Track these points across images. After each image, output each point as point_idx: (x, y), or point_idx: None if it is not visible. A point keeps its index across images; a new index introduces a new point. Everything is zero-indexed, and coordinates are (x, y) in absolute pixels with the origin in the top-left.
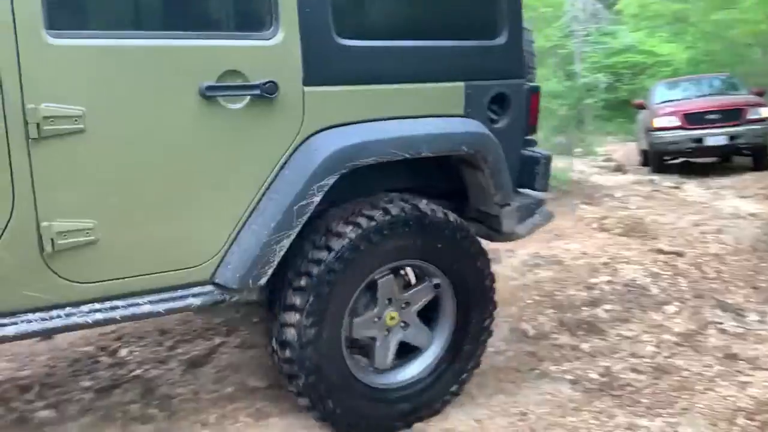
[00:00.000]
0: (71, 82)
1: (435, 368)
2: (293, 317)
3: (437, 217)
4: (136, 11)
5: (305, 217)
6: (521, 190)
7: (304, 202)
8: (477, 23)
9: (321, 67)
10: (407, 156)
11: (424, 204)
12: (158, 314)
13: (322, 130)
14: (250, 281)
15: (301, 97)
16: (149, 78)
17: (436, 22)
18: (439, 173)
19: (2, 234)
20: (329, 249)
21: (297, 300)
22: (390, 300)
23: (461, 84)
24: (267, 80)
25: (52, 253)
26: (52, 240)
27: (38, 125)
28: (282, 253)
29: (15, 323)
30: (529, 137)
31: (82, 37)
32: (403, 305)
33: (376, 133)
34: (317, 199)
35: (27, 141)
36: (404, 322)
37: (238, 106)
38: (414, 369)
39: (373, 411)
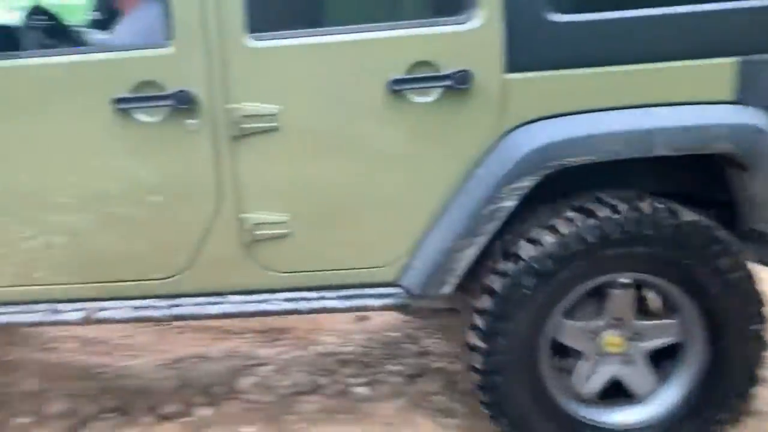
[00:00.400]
0: (267, 82)
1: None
2: (482, 319)
3: (683, 222)
4: (326, 8)
5: (494, 224)
6: None
7: (493, 207)
8: None
9: (527, 49)
10: (632, 155)
11: (661, 205)
12: (340, 310)
13: (526, 123)
14: (432, 289)
15: (500, 87)
16: (338, 74)
17: None
18: (698, 177)
19: (211, 223)
20: (536, 243)
21: (486, 303)
22: (619, 321)
23: (729, 60)
24: (459, 69)
25: (250, 243)
26: (250, 230)
27: (239, 124)
28: (467, 262)
29: (219, 303)
30: None
31: (276, 38)
32: (634, 336)
33: (592, 127)
34: (510, 204)
35: (230, 139)
36: (627, 356)
37: (428, 99)
38: (631, 415)
39: None
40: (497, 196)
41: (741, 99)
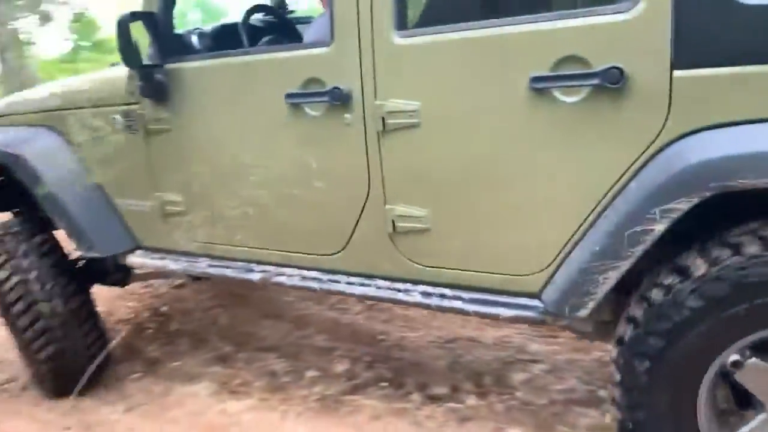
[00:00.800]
0: (410, 78)
1: None
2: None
3: None
4: (469, 3)
5: (641, 248)
6: None
7: (639, 229)
8: None
9: (703, 41)
10: None
11: None
12: (469, 314)
13: (696, 131)
14: (567, 309)
15: (666, 86)
16: (479, 70)
17: None
18: None
19: (362, 211)
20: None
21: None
22: None
23: None
24: (610, 65)
25: (393, 233)
26: (393, 221)
27: (383, 119)
28: (607, 286)
29: (366, 285)
30: None
31: (421, 35)
32: None
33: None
34: (659, 227)
35: (377, 133)
36: None
37: (575, 99)
38: None
39: None
40: (644, 218)
41: None
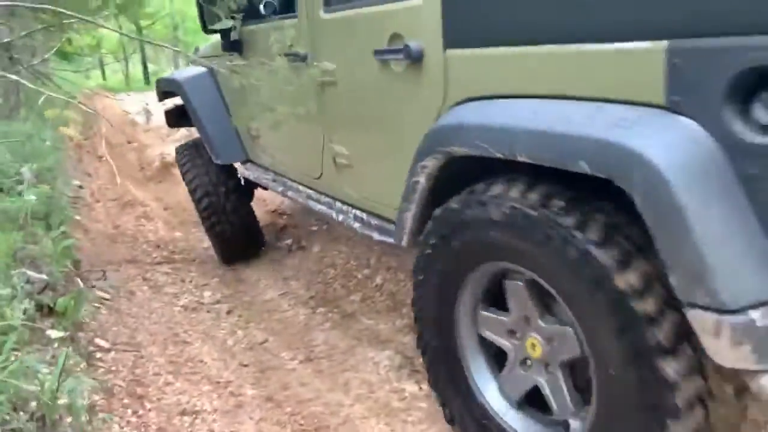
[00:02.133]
0: (330, 46)
1: None
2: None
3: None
4: None
5: (417, 196)
6: None
7: (412, 179)
8: None
9: (461, 24)
10: (500, 155)
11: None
12: (356, 231)
13: (461, 102)
14: (398, 238)
15: (442, 63)
16: (356, 42)
17: None
18: None
19: (322, 148)
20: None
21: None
22: (527, 321)
23: (656, 45)
24: (404, 44)
25: (335, 166)
26: (334, 157)
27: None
28: (411, 222)
29: (329, 206)
30: None
31: (332, 12)
32: (549, 341)
33: (490, 117)
34: (422, 180)
35: (319, 87)
36: (547, 365)
37: (400, 69)
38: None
39: None
40: (415, 170)
41: (675, 102)
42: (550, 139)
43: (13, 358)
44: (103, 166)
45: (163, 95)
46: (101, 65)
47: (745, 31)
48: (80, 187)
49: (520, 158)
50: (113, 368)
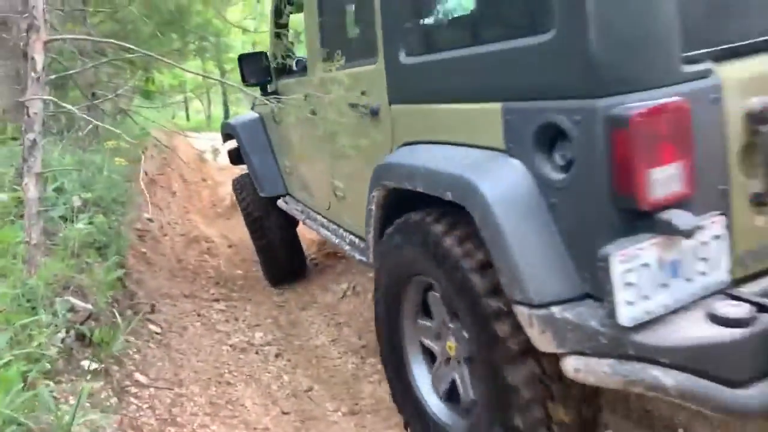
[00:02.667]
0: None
1: None
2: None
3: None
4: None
5: (372, 221)
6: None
7: (367, 207)
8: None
9: (397, 87)
10: (410, 188)
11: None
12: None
13: (402, 145)
14: (361, 256)
15: (389, 114)
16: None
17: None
18: None
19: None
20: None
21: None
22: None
23: (496, 105)
24: (366, 102)
25: (336, 198)
26: (335, 191)
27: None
28: (372, 243)
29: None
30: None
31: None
32: (457, 341)
33: (408, 158)
34: (373, 207)
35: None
36: (459, 361)
37: (368, 119)
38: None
39: None
40: (369, 200)
41: (509, 148)
42: (434, 176)
43: (30, 390)
44: (176, 202)
45: (226, 137)
46: (186, 106)
47: (542, 97)
48: (150, 220)
49: (419, 189)
50: (149, 405)
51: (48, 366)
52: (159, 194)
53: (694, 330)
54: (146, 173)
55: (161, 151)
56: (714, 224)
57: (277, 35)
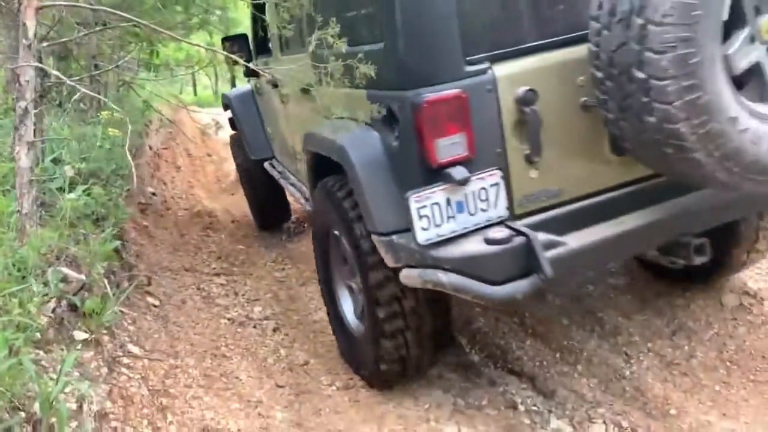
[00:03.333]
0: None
1: None
2: None
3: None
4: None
5: (305, 177)
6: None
7: (303, 166)
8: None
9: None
10: (320, 152)
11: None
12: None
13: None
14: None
15: (318, 93)
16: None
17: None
18: None
19: None
20: None
21: None
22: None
23: (363, 92)
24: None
25: (296, 158)
26: (295, 153)
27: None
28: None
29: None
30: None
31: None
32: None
33: (320, 128)
34: (303, 167)
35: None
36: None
37: (304, 93)
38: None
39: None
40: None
41: (372, 123)
42: (328, 143)
43: (13, 358)
44: (180, 176)
45: (225, 107)
46: (193, 81)
47: (384, 88)
48: (153, 194)
49: (323, 153)
50: (142, 376)
51: (38, 335)
52: (163, 168)
53: (469, 247)
54: (150, 147)
55: (166, 126)
56: (491, 176)
57: (254, 19)
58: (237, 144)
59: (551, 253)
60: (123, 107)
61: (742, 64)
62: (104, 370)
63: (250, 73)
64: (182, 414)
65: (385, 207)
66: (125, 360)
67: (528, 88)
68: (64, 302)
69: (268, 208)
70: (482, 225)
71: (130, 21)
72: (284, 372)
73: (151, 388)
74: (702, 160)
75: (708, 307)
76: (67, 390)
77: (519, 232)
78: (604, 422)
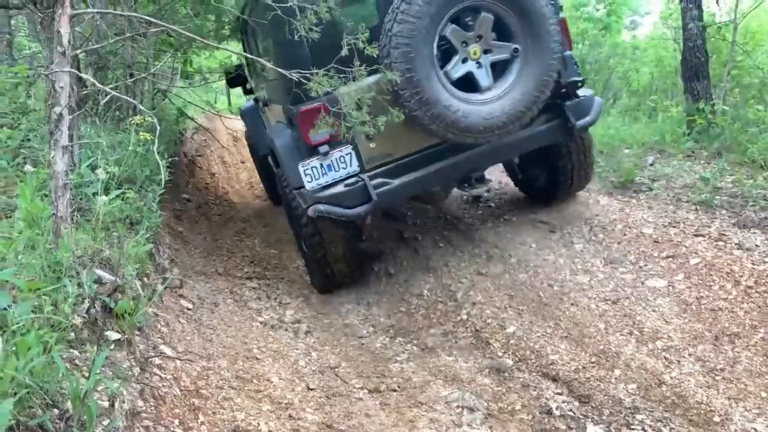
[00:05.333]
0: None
1: None
2: None
3: None
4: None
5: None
6: None
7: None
8: None
9: (263, 94)
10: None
11: None
12: None
13: (274, 123)
14: None
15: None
16: None
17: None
18: None
19: None
20: None
21: None
22: None
23: (281, 106)
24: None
25: None
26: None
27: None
28: None
29: None
30: None
31: None
32: None
33: (268, 130)
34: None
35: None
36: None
37: (267, 109)
38: None
39: None
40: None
41: (287, 123)
42: (265, 141)
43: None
44: (214, 182)
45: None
46: (227, 90)
47: (286, 103)
48: (188, 200)
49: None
50: (174, 376)
51: (72, 335)
52: (198, 175)
53: (335, 189)
54: (185, 154)
55: (200, 133)
56: (345, 149)
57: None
58: (250, 143)
59: (382, 189)
60: (158, 115)
61: (457, 75)
62: (136, 369)
63: (247, 92)
64: (213, 414)
65: (296, 173)
66: (157, 360)
67: (358, 98)
68: (97, 303)
69: (274, 187)
70: (344, 177)
71: (165, 29)
72: (315, 375)
73: (183, 388)
74: (434, 128)
75: (753, 311)
76: (99, 388)
77: (362, 180)
78: (643, 429)
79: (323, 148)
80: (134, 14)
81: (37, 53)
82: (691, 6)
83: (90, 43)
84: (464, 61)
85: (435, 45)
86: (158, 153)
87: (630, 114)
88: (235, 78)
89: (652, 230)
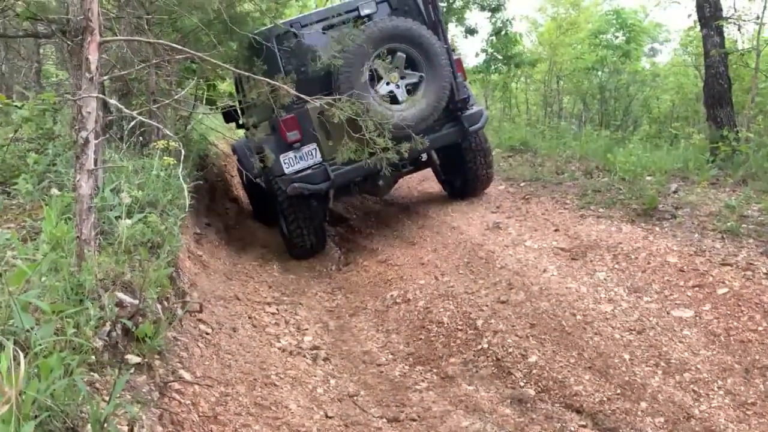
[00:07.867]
0: None
1: None
2: None
3: None
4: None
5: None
6: None
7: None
8: None
9: (246, 118)
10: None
11: None
12: None
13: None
14: None
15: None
16: None
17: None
18: None
19: None
20: None
21: None
22: None
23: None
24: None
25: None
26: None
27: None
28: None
29: None
30: None
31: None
32: None
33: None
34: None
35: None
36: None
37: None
38: None
39: None
40: None
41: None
42: (252, 165)
43: (65, 379)
44: (235, 207)
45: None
46: None
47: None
48: (208, 224)
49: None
50: (192, 402)
51: (93, 358)
52: (218, 200)
53: (306, 172)
54: (206, 179)
55: (221, 158)
56: (312, 146)
57: (239, 94)
58: (240, 170)
59: (335, 172)
60: (181, 140)
61: (383, 92)
62: (155, 394)
63: (239, 126)
64: None
65: (279, 164)
66: (176, 385)
67: (320, 111)
68: (119, 326)
69: (259, 204)
70: (311, 164)
71: (189, 56)
72: (334, 402)
73: (201, 414)
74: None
75: None
76: (119, 412)
77: (324, 166)
78: None
79: (296, 145)
80: (160, 41)
81: (64, 80)
82: (712, 33)
83: (115, 70)
84: (387, 83)
85: (367, 73)
86: (182, 177)
87: (651, 141)
88: (229, 114)
89: (677, 259)
